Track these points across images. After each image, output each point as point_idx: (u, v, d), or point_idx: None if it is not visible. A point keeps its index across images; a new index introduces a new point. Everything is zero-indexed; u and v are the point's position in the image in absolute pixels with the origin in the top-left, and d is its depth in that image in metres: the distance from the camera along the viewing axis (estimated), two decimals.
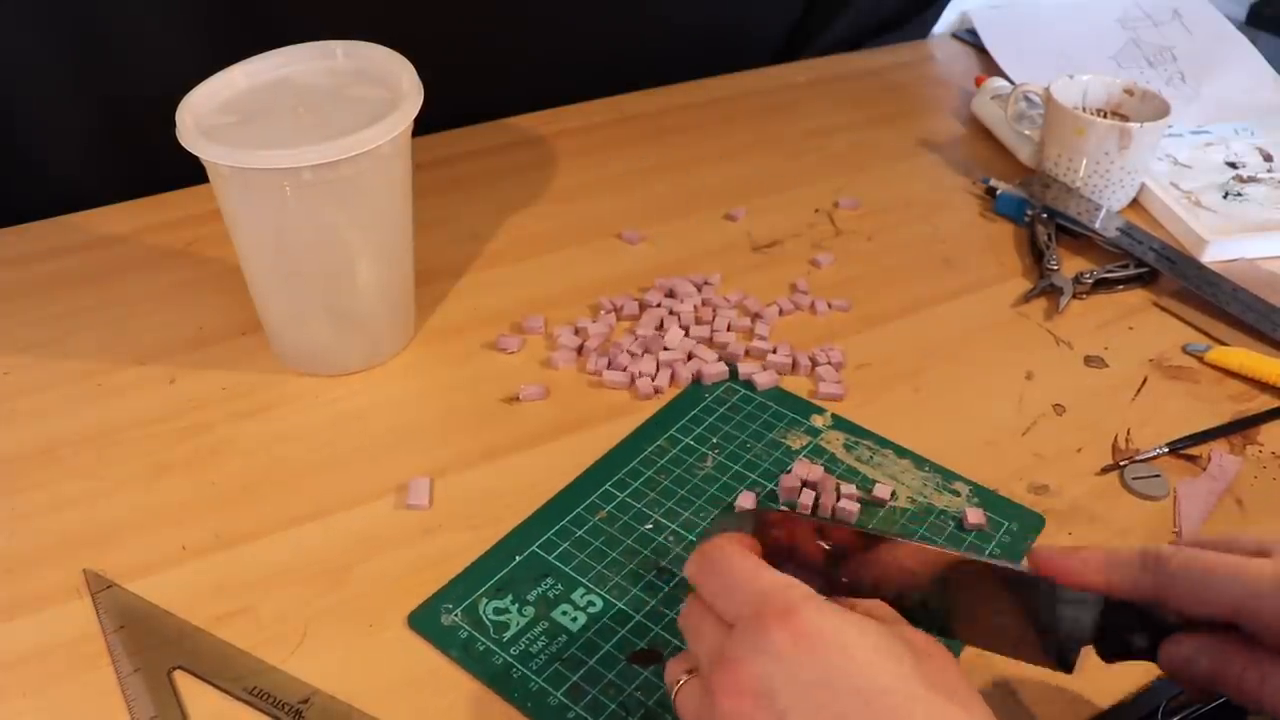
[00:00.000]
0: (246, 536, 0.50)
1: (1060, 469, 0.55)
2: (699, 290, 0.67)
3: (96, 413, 0.57)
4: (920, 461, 0.54)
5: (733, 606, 0.35)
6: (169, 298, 0.66)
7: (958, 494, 0.53)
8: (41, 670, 0.44)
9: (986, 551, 0.50)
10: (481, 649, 0.45)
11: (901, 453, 0.55)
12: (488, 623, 0.46)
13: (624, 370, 0.60)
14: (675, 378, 0.60)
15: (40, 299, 0.65)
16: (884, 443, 0.56)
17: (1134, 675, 0.44)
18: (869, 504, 0.52)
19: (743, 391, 0.59)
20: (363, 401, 0.58)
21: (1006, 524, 0.51)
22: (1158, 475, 0.54)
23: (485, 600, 0.47)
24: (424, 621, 0.46)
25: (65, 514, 0.51)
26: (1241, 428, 0.57)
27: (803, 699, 0.32)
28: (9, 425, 0.56)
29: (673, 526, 0.51)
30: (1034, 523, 0.51)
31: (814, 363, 0.61)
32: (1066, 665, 0.38)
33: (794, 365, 0.61)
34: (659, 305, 0.65)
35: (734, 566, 0.36)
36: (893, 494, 0.52)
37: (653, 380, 0.59)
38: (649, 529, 0.51)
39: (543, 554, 0.49)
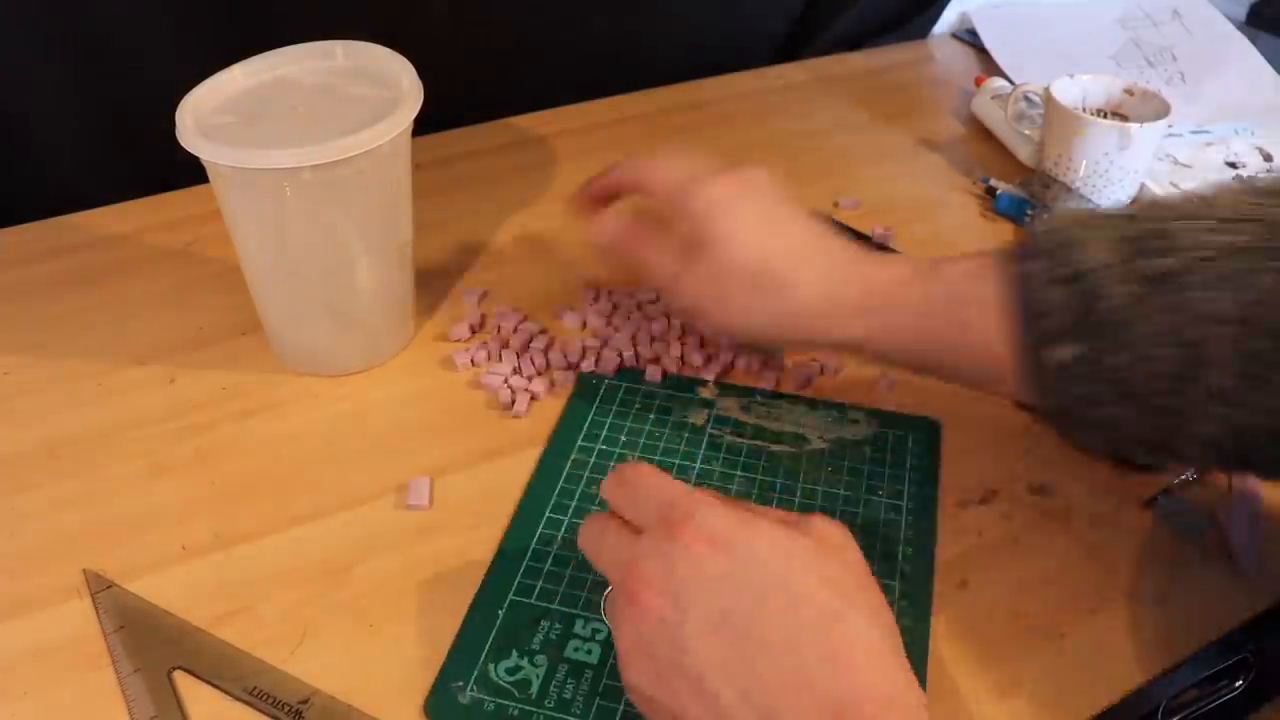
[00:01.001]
0: (246, 536, 0.50)
1: (1060, 469, 0.55)
2: None
3: (97, 413, 0.57)
4: (813, 403, 0.57)
5: (641, 515, 0.38)
6: (169, 298, 0.66)
7: (858, 421, 0.56)
8: (41, 670, 0.44)
9: (907, 463, 0.54)
10: (516, 714, 0.42)
11: (794, 399, 0.58)
12: (507, 686, 0.43)
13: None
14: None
15: (40, 299, 0.65)
16: (776, 395, 0.58)
17: (1134, 675, 0.45)
18: (791, 455, 0.54)
19: (625, 385, 0.59)
20: (363, 401, 0.58)
21: (910, 434, 0.56)
22: (1193, 510, 0.51)
23: (492, 664, 0.44)
24: (441, 709, 0.43)
25: (65, 514, 0.51)
26: None
27: (702, 595, 0.34)
28: (9, 425, 0.56)
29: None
30: (934, 428, 0.56)
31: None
32: None
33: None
34: (654, 301, 0.65)
35: (644, 481, 0.39)
36: (805, 437, 0.55)
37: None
38: None
39: (523, 600, 0.47)
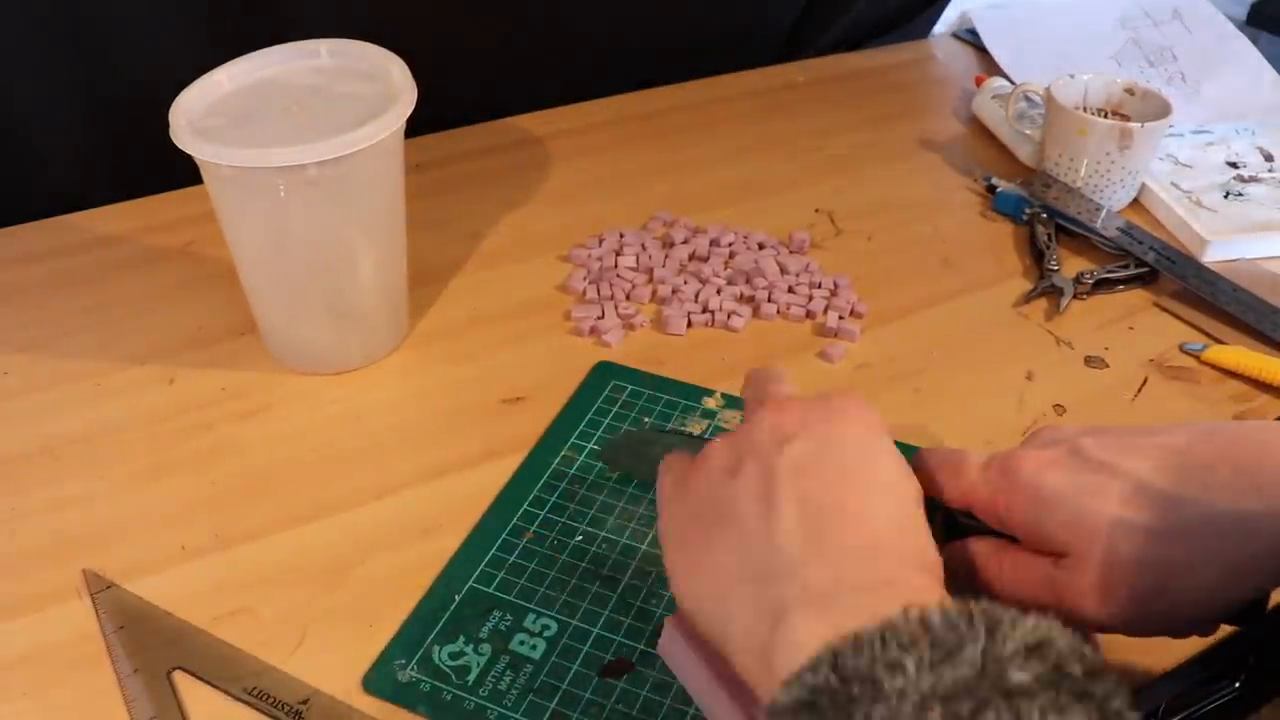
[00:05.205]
0: (246, 536, 0.50)
1: None
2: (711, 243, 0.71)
3: (96, 413, 0.57)
4: None
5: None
6: (168, 298, 0.66)
7: None
8: (41, 670, 0.44)
9: None
10: (449, 698, 0.43)
11: None
12: (446, 670, 0.44)
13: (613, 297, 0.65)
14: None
15: (39, 299, 0.65)
16: None
17: (1134, 674, 0.44)
18: None
19: (630, 388, 0.59)
20: (362, 401, 0.58)
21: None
22: None
23: (437, 647, 0.45)
24: (380, 683, 0.43)
25: (65, 514, 0.51)
26: None
27: (825, 429, 0.38)
28: (8, 425, 0.56)
29: (603, 534, 0.50)
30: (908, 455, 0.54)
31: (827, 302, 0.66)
32: None
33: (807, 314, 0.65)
34: (685, 241, 0.71)
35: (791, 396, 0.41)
36: None
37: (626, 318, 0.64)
38: (580, 540, 0.50)
39: (482, 588, 0.47)
